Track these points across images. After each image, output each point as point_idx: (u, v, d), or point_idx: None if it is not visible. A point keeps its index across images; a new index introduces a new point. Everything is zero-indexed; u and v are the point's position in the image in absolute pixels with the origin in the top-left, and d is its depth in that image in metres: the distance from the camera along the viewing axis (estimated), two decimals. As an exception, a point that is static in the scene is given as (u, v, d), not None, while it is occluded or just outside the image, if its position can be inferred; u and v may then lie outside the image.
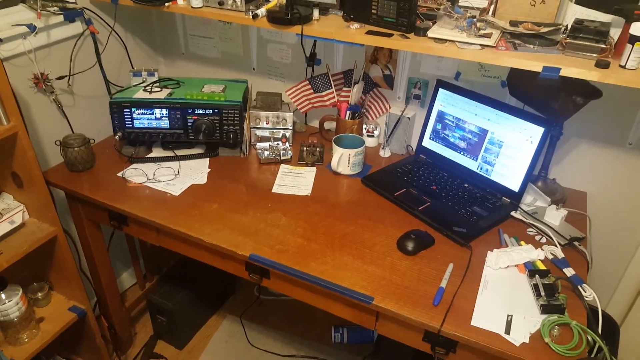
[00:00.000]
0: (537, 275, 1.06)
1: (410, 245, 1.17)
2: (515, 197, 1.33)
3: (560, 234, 1.23)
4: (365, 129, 1.66)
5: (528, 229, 1.28)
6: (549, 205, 1.31)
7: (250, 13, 1.34)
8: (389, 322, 1.09)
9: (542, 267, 1.12)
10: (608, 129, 1.35)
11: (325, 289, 1.09)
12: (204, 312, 2.05)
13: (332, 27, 1.27)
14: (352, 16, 1.30)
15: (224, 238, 1.20)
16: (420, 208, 1.31)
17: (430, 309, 1.02)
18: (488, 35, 1.14)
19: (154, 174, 1.43)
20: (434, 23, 1.23)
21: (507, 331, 0.96)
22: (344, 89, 1.64)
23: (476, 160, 1.41)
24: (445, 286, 1.07)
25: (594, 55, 1.05)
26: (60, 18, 1.45)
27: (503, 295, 1.05)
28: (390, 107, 1.63)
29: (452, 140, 1.46)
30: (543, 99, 1.20)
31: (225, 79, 1.68)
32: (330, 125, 1.70)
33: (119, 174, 1.44)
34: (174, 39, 1.90)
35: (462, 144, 1.44)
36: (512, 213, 1.30)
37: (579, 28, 1.04)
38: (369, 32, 1.22)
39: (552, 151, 1.37)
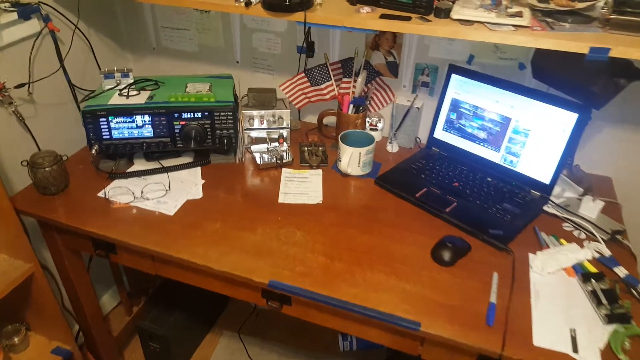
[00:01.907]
0: (592, 280, 0.96)
1: (447, 256, 1.04)
2: (546, 190, 1.23)
3: (600, 228, 1.13)
4: (368, 122, 1.52)
5: (564, 224, 1.18)
6: (583, 196, 1.21)
7: (240, 1, 1.16)
8: (436, 347, 0.97)
9: (592, 269, 1.02)
10: (635, 109, 1.26)
11: (361, 316, 0.95)
12: (198, 331, 1.89)
13: (339, 12, 1.11)
14: (359, -2, 1.14)
15: (235, 263, 1.05)
16: (447, 210, 1.19)
17: (484, 329, 0.90)
18: (519, 14, 1.01)
19: (142, 191, 1.24)
20: (452, 2, 1.09)
21: (575, 349, 0.86)
22: (344, 80, 1.49)
23: (499, 152, 1.29)
24: (496, 301, 0.95)
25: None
26: (14, 16, 1.22)
27: (558, 305, 0.95)
28: (395, 97, 1.49)
29: (469, 130, 1.34)
30: (579, 82, 1.09)
31: (207, 75, 1.49)
32: (328, 120, 1.54)
33: (100, 194, 1.25)
34: (143, 32, 1.69)
35: (482, 134, 1.32)
36: (545, 207, 1.20)
37: (625, 1, 0.93)
38: (383, 16, 1.07)
39: (579, 137, 1.26)
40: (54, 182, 1.22)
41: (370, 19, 1.07)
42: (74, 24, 1.44)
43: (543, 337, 0.88)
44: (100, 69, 1.61)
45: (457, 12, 1.03)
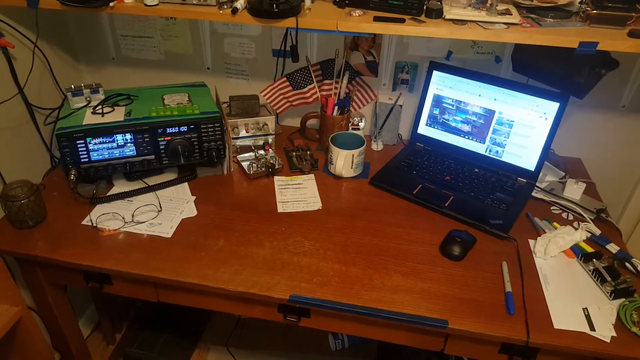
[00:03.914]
0: (593, 259, 1.03)
1: (457, 250, 1.07)
2: (532, 177, 1.29)
3: (586, 208, 1.21)
4: (350, 122, 1.52)
5: (551, 208, 1.25)
6: (564, 179, 1.29)
7: (225, 7, 1.11)
8: (460, 342, 1.00)
9: (588, 248, 1.09)
10: (601, 94, 1.36)
11: (386, 320, 0.96)
12: (185, 350, 1.81)
13: (330, 16, 1.10)
14: (346, 1, 1.13)
15: (250, 281, 1.01)
16: (446, 204, 1.22)
17: (507, 319, 0.94)
18: (508, 12, 1.05)
19: (133, 215, 1.17)
20: (439, 2, 1.11)
21: (592, 327, 0.92)
22: (325, 81, 1.48)
23: (484, 143, 1.34)
24: (511, 289, 0.99)
25: (621, 25, 1.01)
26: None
27: (567, 287, 1.01)
28: (376, 96, 1.50)
29: (453, 124, 1.38)
30: (562, 74, 1.15)
31: (179, 85, 1.42)
32: (308, 122, 1.53)
33: (85, 222, 1.16)
34: (100, 41, 1.57)
35: (466, 128, 1.36)
36: (533, 193, 1.27)
37: (605, -3, 0.99)
38: (377, 19, 1.07)
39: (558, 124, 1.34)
40: (32, 215, 1.12)
41: (364, 22, 1.06)
42: (31, 41, 1.31)
43: (561, 320, 0.93)
44: (59, 86, 1.48)
45: (450, 12, 1.05)
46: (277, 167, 1.35)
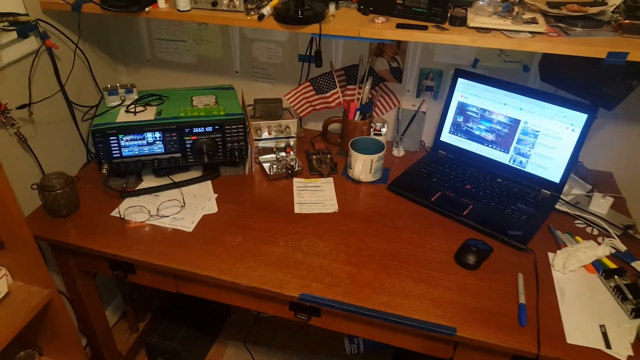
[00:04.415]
0: (615, 276, 1.00)
1: (472, 259, 1.06)
2: (556, 189, 1.26)
3: (612, 224, 1.18)
4: (372, 127, 1.53)
5: (576, 222, 1.22)
6: (591, 193, 1.25)
7: (252, 13, 1.15)
8: (469, 351, 0.99)
9: (611, 264, 1.06)
10: (633, 106, 1.31)
11: (394, 324, 0.96)
12: (204, 343, 1.86)
13: (353, 22, 1.12)
14: (370, 8, 1.15)
15: (264, 278, 1.04)
16: (465, 213, 1.21)
17: (517, 330, 0.92)
18: (534, 21, 1.04)
19: (158, 209, 1.22)
20: (464, 10, 1.11)
21: (608, 345, 0.89)
22: (348, 87, 1.50)
23: (508, 153, 1.32)
24: (525, 301, 0.98)
25: (653, 34, 0.98)
26: (13, 35, 1.18)
27: (585, 302, 0.98)
28: (399, 102, 1.50)
29: (477, 132, 1.37)
30: (591, 84, 1.12)
31: (208, 87, 1.48)
32: (331, 126, 1.55)
33: (114, 214, 1.22)
34: (137, 44, 1.65)
35: (490, 137, 1.35)
36: (557, 206, 1.24)
37: (637, 6, 0.96)
38: (399, 26, 1.08)
39: (585, 136, 1.31)
40: (65, 205, 1.19)
41: (386, 29, 1.08)
42: (73, 42, 1.40)
43: (575, 335, 0.91)
44: (97, 85, 1.57)
45: (473, 20, 1.05)
46: (296, 169, 1.38)
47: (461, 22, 1.06)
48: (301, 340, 1.90)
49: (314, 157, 1.47)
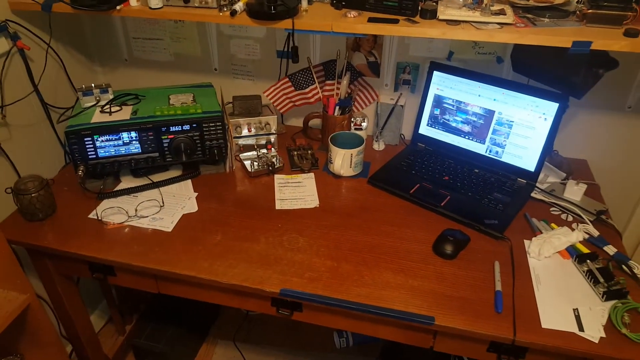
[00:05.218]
0: (587, 261, 1.02)
1: (449, 249, 1.08)
2: (532, 177, 1.28)
3: (586, 210, 1.20)
4: (352, 122, 1.54)
5: (551, 209, 1.24)
6: (566, 180, 1.28)
7: (225, 9, 1.15)
8: (448, 339, 1.00)
9: (584, 249, 1.08)
10: (606, 94, 1.34)
11: (374, 315, 0.97)
12: (193, 343, 1.86)
13: (326, 17, 1.12)
14: (343, 2, 1.16)
15: (244, 275, 1.04)
16: (442, 204, 1.22)
17: (494, 317, 0.94)
18: (502, 12, 1.05)
19: (136, 209, 1.21)
20: (435, 2, 1.12)
21: (581, 328, 0.91)
22: (327, 82, 1.50)
23: (484, 143, 1.34)
24: (501, 288, 0.99)
25: (617, 24, 1.00)
26: (-18, 36, 1.16)
27: (559, 287, 1.00)
28: (378, 96, 1.51)
29: (453, 124, 1.38)
30: (560, 74, 1.14)
31: (187, 85, 1.47)
32: (312, 122, 1.55)
33: (92, 216, 1.21)
34: (113, 43, 1.63)
35: (466, 128, 1.36)
36: (533, 194, 1.26)
37: (600, -4, 0.98)
38: (371, 20, 1.08)
39: (558, 124, 1.33)
40: (41, 208, 1.18)
41: (358, 23, 1.08)
42: (45, 42, 1.38)
43: (550, 319, 0.93)
44: (73, 86, 1.55)
45: (443, 13, 1.06)
46: (277, 165, 1.38)
47: (432, 14, 1.07)
48: (291, 336, 1.91)
49: (295, 153, 1.47)
